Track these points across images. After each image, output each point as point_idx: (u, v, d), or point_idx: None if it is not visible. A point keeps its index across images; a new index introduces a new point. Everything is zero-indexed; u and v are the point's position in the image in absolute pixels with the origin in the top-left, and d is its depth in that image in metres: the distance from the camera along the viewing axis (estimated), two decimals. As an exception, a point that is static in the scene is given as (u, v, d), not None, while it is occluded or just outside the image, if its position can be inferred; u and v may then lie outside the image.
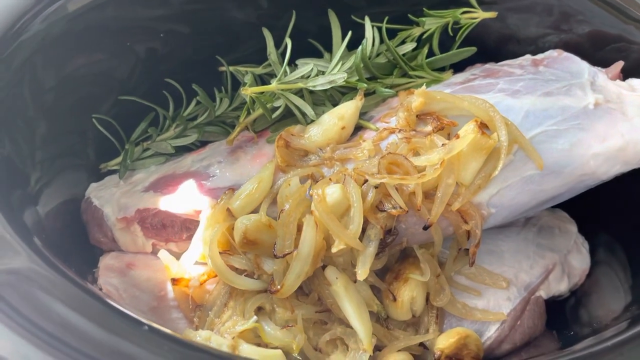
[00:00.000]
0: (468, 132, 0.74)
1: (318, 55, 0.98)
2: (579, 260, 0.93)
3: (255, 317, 0.75)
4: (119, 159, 0.91)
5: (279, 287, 0.74)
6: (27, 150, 0.75)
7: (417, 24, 0.98)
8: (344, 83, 0.86)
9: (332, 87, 0.87)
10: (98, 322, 0.48)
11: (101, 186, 0.88)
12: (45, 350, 0.45)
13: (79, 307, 0.49)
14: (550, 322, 0.90)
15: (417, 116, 0.81)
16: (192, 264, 0.80)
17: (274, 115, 0.86)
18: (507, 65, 0.92)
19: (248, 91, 0.83)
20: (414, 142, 0.77)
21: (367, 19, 0.94)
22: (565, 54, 0.92)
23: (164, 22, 0.94)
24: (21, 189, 0.71)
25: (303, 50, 0.97)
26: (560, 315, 0.93)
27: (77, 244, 0.85)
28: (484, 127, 0.76)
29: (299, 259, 0.73)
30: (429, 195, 0.76)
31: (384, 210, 0.74)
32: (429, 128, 0.79)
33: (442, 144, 0.75)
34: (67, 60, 0.81)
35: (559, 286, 0.90)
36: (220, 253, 0.77)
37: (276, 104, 0.87)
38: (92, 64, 0.87)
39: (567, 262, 0.92)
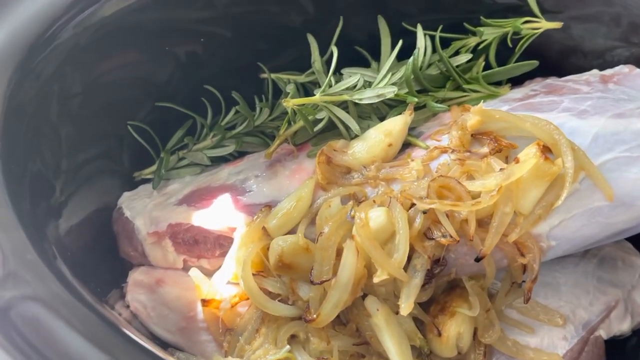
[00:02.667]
0: (529, 156, 0.67)
1: (365, 63, 0.92)
2: (645, 297, 0.85)
3: (288, 347, 0.71)
4: (153, 168, 0.88)
5: (314, 316, 0.69)
6: (58, 157, 0.72)
7: (473, 34, 0.91)
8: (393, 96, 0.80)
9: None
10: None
11: (134, 196, 0.84)
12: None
13: (99, 342, 0.45)
14: (609, 363, 0.82)
15: (472, 135, 0.74)
16: (224, 284, 0.75)
17: (315, 128, 0.81)
18: (571, 81, 0.84)
19: (290, 103, 0.78)
20: (469, 164, 0.70)
21: (419, 27, 0.88)
22: (638, 70, 0.83)
23: (204, 26, 0.90)
24: (49, 199, 0.68)
25: (349, 58, 0.91)
26: (620, 357, 0.85)
27: (108, 255, 0.82)
28: (547, 151, 0.69)
29: (337, 287, 0.68)
30: (482, 223, 0.69)
31: (433, 239, 0.68)
32: (485, 149, 0.72)
33: (500, 169, 0.68)
34: (103, 66, 0.78)
35: (621, 325, 0.82)
36: (253, 274, 0.73)
37: (319, 116, 0.82)
38: (129, 68, 0.84)
39: (631, 298, 0.84)
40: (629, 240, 0.87)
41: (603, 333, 0.80)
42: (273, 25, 0.94)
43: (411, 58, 0.82)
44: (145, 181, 0.89)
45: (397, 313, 0.71)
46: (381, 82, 0.81)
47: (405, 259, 0.67)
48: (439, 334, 0.73)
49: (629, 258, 0.86)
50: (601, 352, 0.80)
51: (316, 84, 0.91)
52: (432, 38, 0.87)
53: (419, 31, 0.87)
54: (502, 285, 0.75)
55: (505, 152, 0.72)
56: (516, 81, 0.91)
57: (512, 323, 0.77)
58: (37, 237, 0.54)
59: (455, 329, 0.73)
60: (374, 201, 0.72)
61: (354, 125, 0.79)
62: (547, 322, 0.77)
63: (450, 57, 0.88)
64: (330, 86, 0.82)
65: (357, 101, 0.79)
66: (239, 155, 0.90)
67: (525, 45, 0.89)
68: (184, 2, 0.84)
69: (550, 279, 0.82)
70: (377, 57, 0.91)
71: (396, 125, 0.78)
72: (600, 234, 0.70)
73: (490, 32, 0.89)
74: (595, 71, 0.87)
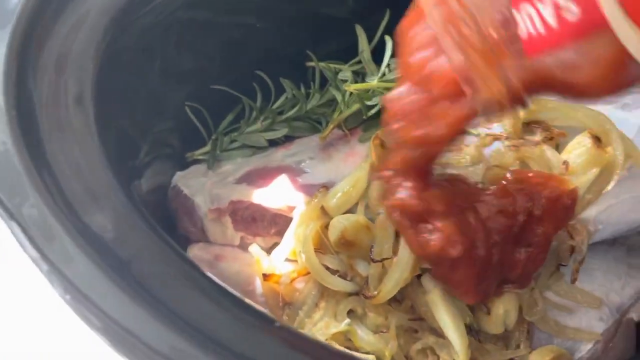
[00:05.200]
0: (583, 145, 0.72)
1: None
2: (671, 282, 0.90)
3: (348, 320, 0.73)
4: (205, 149, 0.90)
5: (375, 293, 0.72)
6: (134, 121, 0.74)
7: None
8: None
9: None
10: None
11: (188, 175, 0.87)
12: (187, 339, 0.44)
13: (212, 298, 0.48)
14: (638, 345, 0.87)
15: (522, 124, 0.79)
16: (282, 260, 0.78)
17: (369, 113, 0.85)
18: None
19: (351, 87, 0.81)
20: (523, 151, 0.74)
21: None
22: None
23: (251, 15, 0.94)
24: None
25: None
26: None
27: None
28: (597, 140, 0.73)
29: (398, 266, 0.71)
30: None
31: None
32: (537, 137, 0.76)
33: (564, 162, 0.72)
34: (175, 42, 0.81)
35: (650, 309, 0.87)
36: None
37: (372, 102, 0.85)
38: (188, 54, 0.86)
39: (659, 284, 0.89)
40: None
41: (635, 315, 0.85)
42: (317, 17, 0.97)
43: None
44: (195, 162, 0.91)
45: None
46: (432, 71, 0.85)
47: (465, 238, 0.71)
48: (488, 312, 0.76)
49: (654, 246, 0.92)
50: (633, 332, 0.84)
51: (359, 74, 0.94)
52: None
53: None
54: (546, 267, 0.79)
55: (556, 140, 0.76)
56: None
57: (551, 304, 0.81)
58: (134, 203, 0.56)
59: (503, 307, 0.76)
60: (432, 184, 0.75)
61: (408, 111, 0.82)
62: (585, 304, 0.82)
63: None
64: (384, 74, 0.85)
65: (412, 88, 0.82)
66: (287, 139, 0.92)
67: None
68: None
69: (584, 265, 0.86)
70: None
71: (449, 112, 0.81)
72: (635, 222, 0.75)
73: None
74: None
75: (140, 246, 0.49)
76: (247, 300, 0.52)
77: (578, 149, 0.71)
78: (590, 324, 0.82)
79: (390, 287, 0.72)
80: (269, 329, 0.49)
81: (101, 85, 0.60)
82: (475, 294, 0.69)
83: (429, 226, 0.64)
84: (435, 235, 0.64)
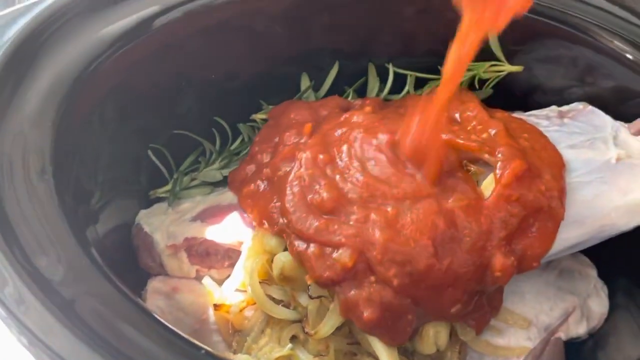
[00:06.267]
0: (491, 182, 0.80)
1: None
2: (598, 304, 0.97)
3: (290, 345, 0.81)
4: (167, 187, 0.98)
5: (313, 332, 0.79)
6: (92, 173, 0.82)
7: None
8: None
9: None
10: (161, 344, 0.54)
11: (150, 213, 0.95)
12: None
13: (148, 334, 0.55)
14: (568, 364, 0.93)
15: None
16: (232, 291, 0.85)
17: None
18: (533, 115, 0.97)
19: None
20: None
21: (390, 66, 1.02)
22: (590, 107, 0.96)
23: (213, 72, 1.03)
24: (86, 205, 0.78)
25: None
26: (578, 358, 0.96)
27: (126, 266, 0.92)
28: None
29: (334, 312, 0.78)
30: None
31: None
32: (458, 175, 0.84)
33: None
34: (131, 97, 0.89)
35: (578, 329, 0.94)
36: (259, 282, 0.83)
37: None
38: (152, 101, 0.95)
39: (587, 305, 0.96)
40: (585, 254, 1.00)
41: (562, 335, 0.92)
42: (269, 71, 1.06)
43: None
44: (159, 200, 0.99)
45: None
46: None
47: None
48: (420, 334, 0.83)
49: (585, 270, 0.99)
50: (561, 351, 0.91)
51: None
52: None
53: (391, 69, 1.03)
54: (474, 292, 0.87)
55: (475, 176, 0.84)
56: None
57: (484, 326, 0.88)
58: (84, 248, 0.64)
59: (433, 329, 0.83)
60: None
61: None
62: (514, 325, 0.89)
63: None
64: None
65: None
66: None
67: (490, 86, 1.03)
68: (201, 51, 0.97)
69: (515, 288, 0.93)
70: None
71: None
72: (557, 247, 0.83)
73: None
74: (554, 107, 1.00)
75: (84, 286, 0.57)
76: (178, 331, 0.58)
77: (491, 186, 0.79)
78: (518, 343, 0.89)
79: (327, 329, 0.79)
80: (195, 356, 0.56)
81: (60, 146, 0.68)
82: (399, 341, 0.78)
83: (359, 310, 0.74)
84: (361, 321, 0.74)
